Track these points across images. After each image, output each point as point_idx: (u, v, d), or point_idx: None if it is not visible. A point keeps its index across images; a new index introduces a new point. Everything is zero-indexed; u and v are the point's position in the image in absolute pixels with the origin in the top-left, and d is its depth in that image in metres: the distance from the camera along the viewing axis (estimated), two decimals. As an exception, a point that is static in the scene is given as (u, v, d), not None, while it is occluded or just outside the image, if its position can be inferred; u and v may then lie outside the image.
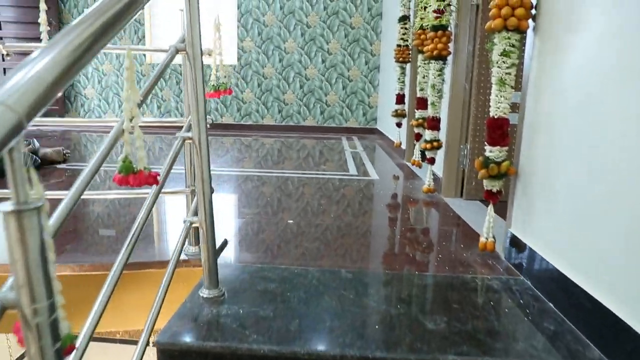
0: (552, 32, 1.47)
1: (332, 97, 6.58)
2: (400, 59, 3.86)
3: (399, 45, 3.87)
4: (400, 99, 3.96)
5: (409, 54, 3.87)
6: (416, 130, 3.01)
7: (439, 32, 2.46)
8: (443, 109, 2.61)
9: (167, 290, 1.23)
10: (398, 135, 4.15)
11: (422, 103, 2.95)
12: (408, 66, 3.95)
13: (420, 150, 2.83)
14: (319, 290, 1.49)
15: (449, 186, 2.71)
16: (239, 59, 6.62)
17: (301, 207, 2.55)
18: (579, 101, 1.32)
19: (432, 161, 2.67)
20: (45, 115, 0.60)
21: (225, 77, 1.51)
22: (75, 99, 6.98)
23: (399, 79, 3.93)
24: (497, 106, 1.63)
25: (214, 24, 1.49)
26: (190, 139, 1.33)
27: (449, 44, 2.51)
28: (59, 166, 3.57)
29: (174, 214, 2.49)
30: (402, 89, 3.95)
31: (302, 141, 5.59)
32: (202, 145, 1.30)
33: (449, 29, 2.49)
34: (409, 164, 3.92)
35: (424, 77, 2.92)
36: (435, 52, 2.48)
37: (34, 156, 3.43)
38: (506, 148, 1.70)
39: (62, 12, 6.79)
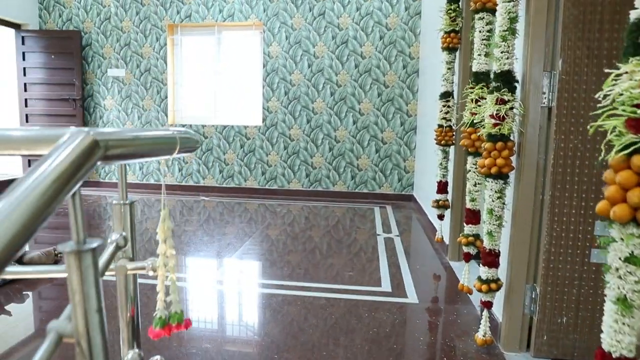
0: None
1: (364, 161, 6.02)
2: (442, 142, 3.27)
3: (440, 126, 3.28)
4: (442, 187, 3.34)
5: (453, 135, 3.27)
6: (465, 250, 2.39)
7: (499, 144, 1.86)
8: (504, 238, 1.98)
9: None
10: (440, 228, 3.52)
11: (473, 216, 2.33)
12: (452, 148, 3.36)
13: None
14: None
15: (511, 337, 2.05)
16: (264, 120, 6.18)
17: (317, 347, 1.95)
18: None
19: (488, 305, 2.03)
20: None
21: (178, 302, 0.96)
22: (94, 110, 6.68)
23: (440, 164, 3.33)
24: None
25: (161, 219, 0.96)
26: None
27: (512, 157, 1.90)
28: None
29: None
30: (444, 175, 3.34)
31: (330, 209, 5.01)
32: None
33: (512, 138, 1.89)
34: (453, 265, 3.27)
35: (475, 185, 2.31)
36: (493, 170, 1.88)
37: None
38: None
39: (85, 72, 6.58)
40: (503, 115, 1.83)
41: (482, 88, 2.21)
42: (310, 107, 6.06)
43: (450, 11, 3.21)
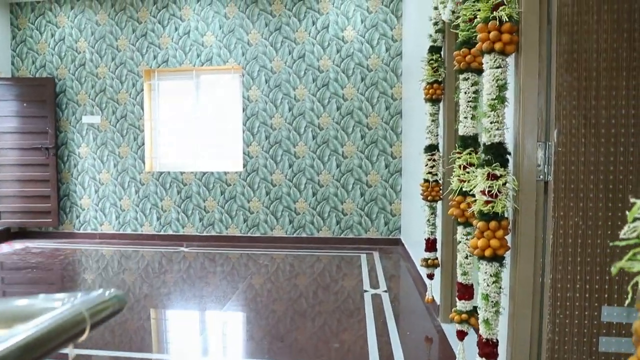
0: None
1: (349, 205, 5.83)
2: (429, 198, 3.09)
3: (426, 181, 3.11)
4: (430, 245, 3.15)
5: (440, 190, 3.10)
6: (459, 328, 2.17)
7: (492, 224, 1.68)
8: (501, 324, 1.77)
9: None
10: (430, 287, 3.30)
11: (465, 291, 2.13)
12: (439, 203, 3.18)
13: None
14: None
15: None
16: (244, 166, 5.99)
17: None
18: None
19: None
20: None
21: None
22: (68, 158, 6.39)
23: (428, 220, 3.14)
24: None
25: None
26: None
27: (507, 237, 1.72)
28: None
29: None
30: (432, 232, 3.15)
31: (315, 257, 4.76)
32: None
33: (506, 215, 1.71)
34: (445, 328, 3.04)
35: (467, 258, 2.12)
36: (487, 252, 1.68)
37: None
38: None
39: (59, 119, 6.37)
40: (495, 193, 1.65)
41: (470, 154, 2.05)
42: (292, 151, 5.89)
43: (432, 61, 3.08)
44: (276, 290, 4.03)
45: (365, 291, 3.93)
